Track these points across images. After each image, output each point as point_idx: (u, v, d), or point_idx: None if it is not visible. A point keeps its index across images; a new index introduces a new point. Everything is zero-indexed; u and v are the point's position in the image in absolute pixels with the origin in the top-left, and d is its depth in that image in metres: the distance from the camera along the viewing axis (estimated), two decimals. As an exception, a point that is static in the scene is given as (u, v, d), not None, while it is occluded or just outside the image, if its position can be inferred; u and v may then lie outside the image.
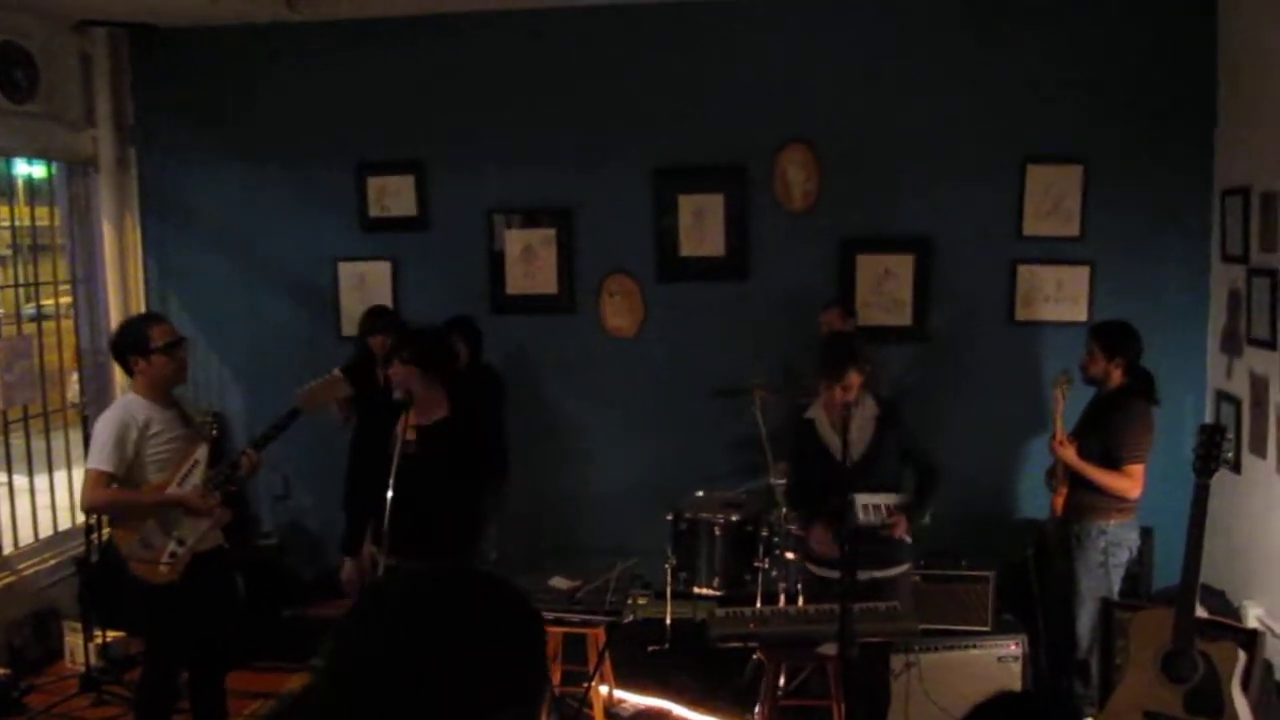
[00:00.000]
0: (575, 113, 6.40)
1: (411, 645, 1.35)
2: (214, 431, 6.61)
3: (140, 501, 4.16)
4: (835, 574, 4.42)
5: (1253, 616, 5.43)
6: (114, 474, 4.11)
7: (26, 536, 6.20)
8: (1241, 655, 3.70)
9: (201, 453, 4.28)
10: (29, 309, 7.24)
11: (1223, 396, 5.84)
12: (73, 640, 5.73)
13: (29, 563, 6.06)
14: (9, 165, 6.39)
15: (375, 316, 6.08)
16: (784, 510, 5.38)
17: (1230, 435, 3.86)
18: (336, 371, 4.60)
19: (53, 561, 6.10)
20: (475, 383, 6.00)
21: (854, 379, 4.32)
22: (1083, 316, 6.03)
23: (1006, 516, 6.18)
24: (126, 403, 4.29)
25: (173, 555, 4.15)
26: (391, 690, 1.32)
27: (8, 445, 6.10)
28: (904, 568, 4.54)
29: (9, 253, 6.67)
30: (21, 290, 6.98)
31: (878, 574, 4.38)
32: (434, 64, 6.47)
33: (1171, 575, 5.41)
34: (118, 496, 4.14)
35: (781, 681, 4.98)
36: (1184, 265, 6.03)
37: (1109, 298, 6.04)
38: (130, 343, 4.24)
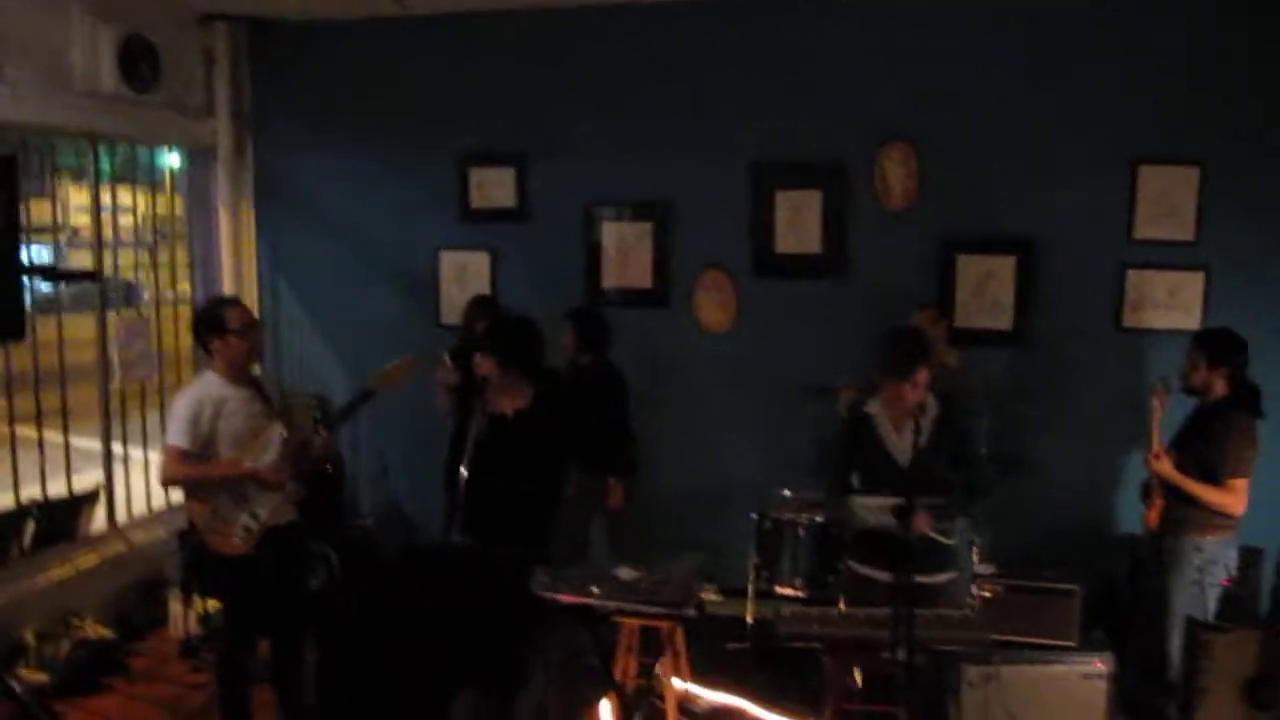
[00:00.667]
0: (674, 106, 6.40)
1: (395, 615, 1.38)
2: (318, 417, 6.83)
3: (215, 474, 4.32)
4: (880, 574, 4.33)
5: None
6: (190, 450, 4.27)
7: (139, 508, 6.51)
8: (1332, 686, 3.50)
9: (277, 430, 4.42)
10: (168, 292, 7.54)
11: (1343, 414, 5.52)
12: (176, 608, 5.97)
13: (140, 533, 6.35)
14: (152, 155, 6.71)
15: (478, 305, 6.19)
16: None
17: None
18: (411, 355, 4.69)
19: (162, 533, 6.38)
20: (593, 379, 5.96)
21: (923, 376, 4.21)
22: (1195, 324, 5.75)
23: (1105, 529, 5.97)
24: (204, 381, 4.46)
25: (246, 529, 4.30)
26: (370, 655, 1.35)
27: (125, 420, 6.39)
28: (951, 575, 4.39)
29: (152, 239, 6.93)
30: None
31: (924, 579, 4.23)
32: (535, 57, 6.56)
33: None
34: (194, 471, 4.31)
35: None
36: (1307, 273, 5.72)
37: (1224, 305, 5.77)
38: (208, 324, 4.43)
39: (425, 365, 4.88)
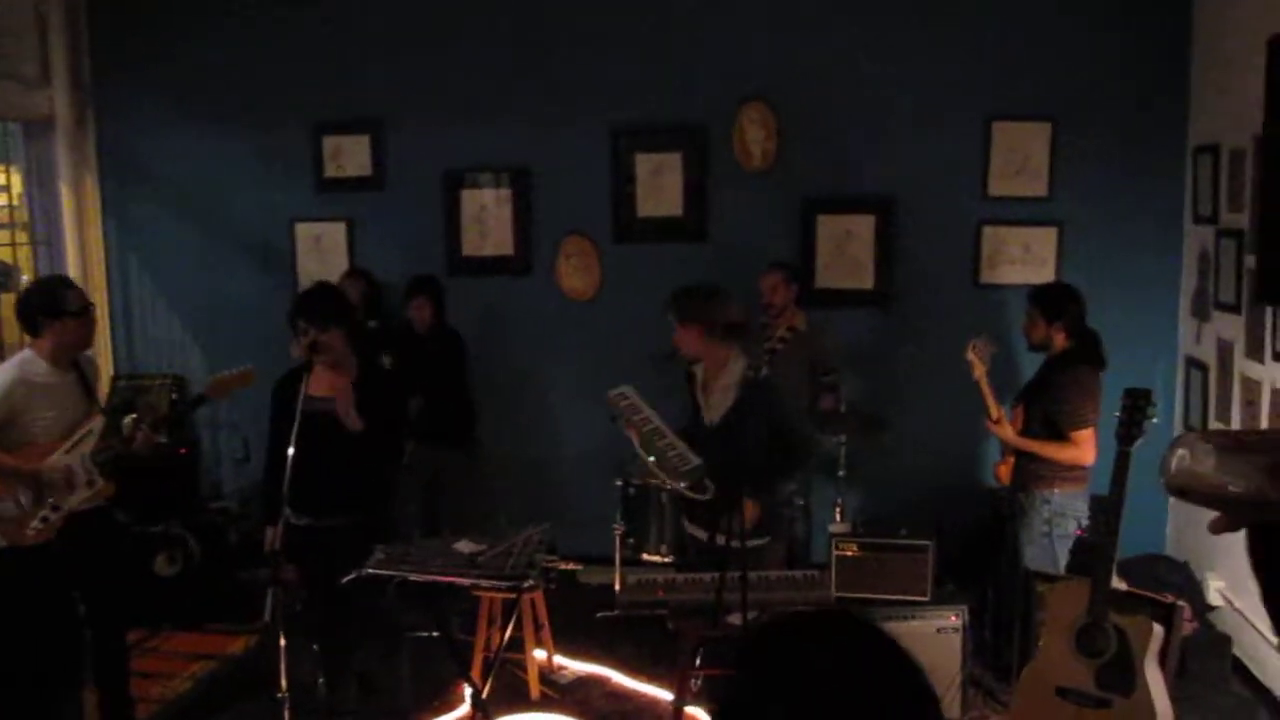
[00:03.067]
0: (533, 71, 6.26)
1: None
2: (174, 395, 6.58)
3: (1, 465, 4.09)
4: (702, 533, 4.30)
5: (1214, 590, 5.27)
6: None
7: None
8: (1158, 630, 3.55)
9: (96, 424, 4.18)
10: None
11: (1191, 363, 5.64)
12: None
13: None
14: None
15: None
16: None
17: (1156, 400, 3.69)
18: (249, 366, 4.50)
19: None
20: (438, 345, 6.03)
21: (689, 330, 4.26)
22: (1050, 279, 5.81)
23: (968, 484, 6.02)
24: (24, 360, 4.16)
25: (44, 520, 4.05)
26: None
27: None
28: (766, 540, 4.34)
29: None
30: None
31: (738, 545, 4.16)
32: (390, 21, 6.36)
33: (1132, 546, 5.27)
34: None
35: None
36: (1156, 226, 5.82)
37: (1078, 259, 5.85)
38: (43, 304, 4.13)
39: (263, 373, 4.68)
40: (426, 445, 5.89)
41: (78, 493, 4.12)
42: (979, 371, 4.74)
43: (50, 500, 4.08)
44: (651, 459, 4.20)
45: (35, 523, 4.03)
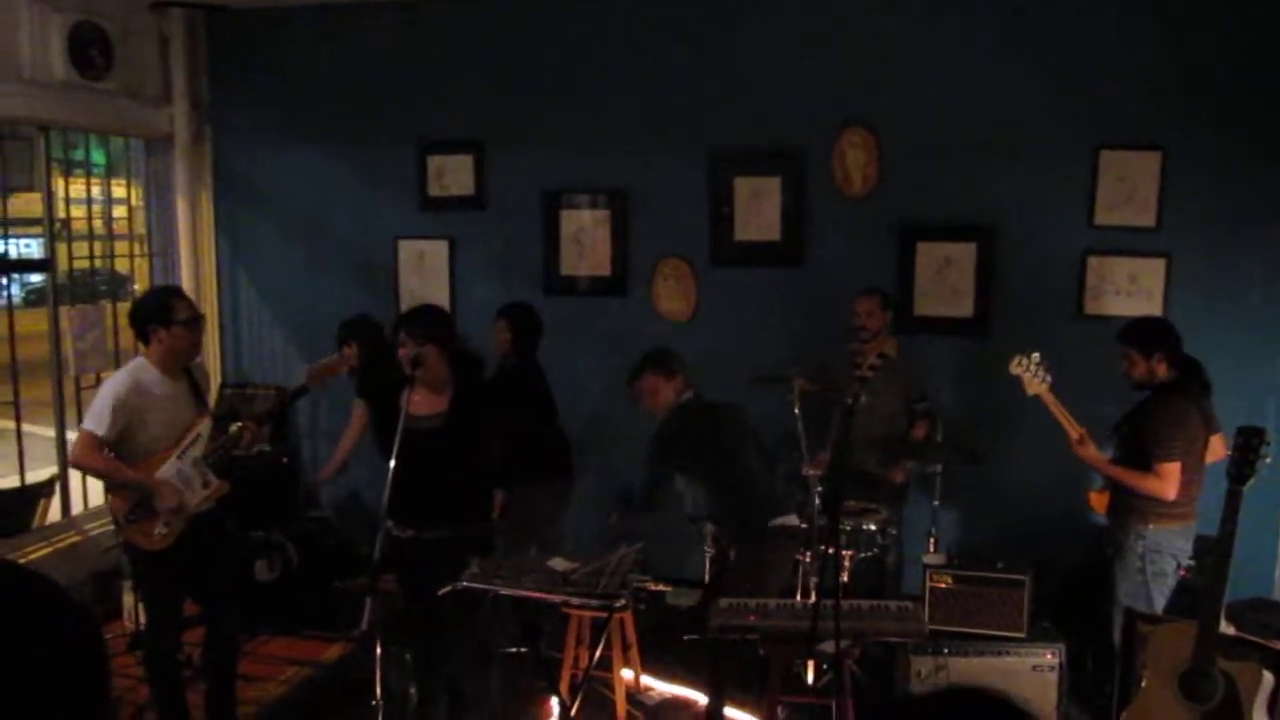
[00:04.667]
0: (633, 94, 6.33)
1: None
2: (280, 406, 6.76)
3: (119, 478, 4.23)
4: None
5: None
6: (105, 438, 4.18)
7: (96, 499, 6.46)
8: (1267, 677, 3.43)
9: (205, 426, 4.33)
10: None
11: (1305, 401, 5.46)
12: (128, 600, 5.92)
13: (95, 524, 6.29)
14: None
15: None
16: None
17: (1270, 439, 3.57)
18: (346, 350, 4.65)
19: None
20: (520, 380, 5.73)
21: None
22: (1157, 311, 5.68)
23: (1070, 517, 5.88)
24: (136, 368, 4.33)
25: (168, 525, 4.22)
26: None
27: (80, 411, 6.33)
28: None
29: (105, 230, 6.94)
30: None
31: None
32: (494, 44, 6.49)
33: (1239, 589, 5.09)
34: (104, 465, 4.20)
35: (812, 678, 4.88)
36: (1269, 260, 5.64)
37: (1186, 292, 5.71)
38: (153, 312, 4.29)
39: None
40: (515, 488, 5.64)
41: (196, 495, 4.28)
42: (1033, 389, 4.64)
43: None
44: None
45: (160, 528, 4.21)
